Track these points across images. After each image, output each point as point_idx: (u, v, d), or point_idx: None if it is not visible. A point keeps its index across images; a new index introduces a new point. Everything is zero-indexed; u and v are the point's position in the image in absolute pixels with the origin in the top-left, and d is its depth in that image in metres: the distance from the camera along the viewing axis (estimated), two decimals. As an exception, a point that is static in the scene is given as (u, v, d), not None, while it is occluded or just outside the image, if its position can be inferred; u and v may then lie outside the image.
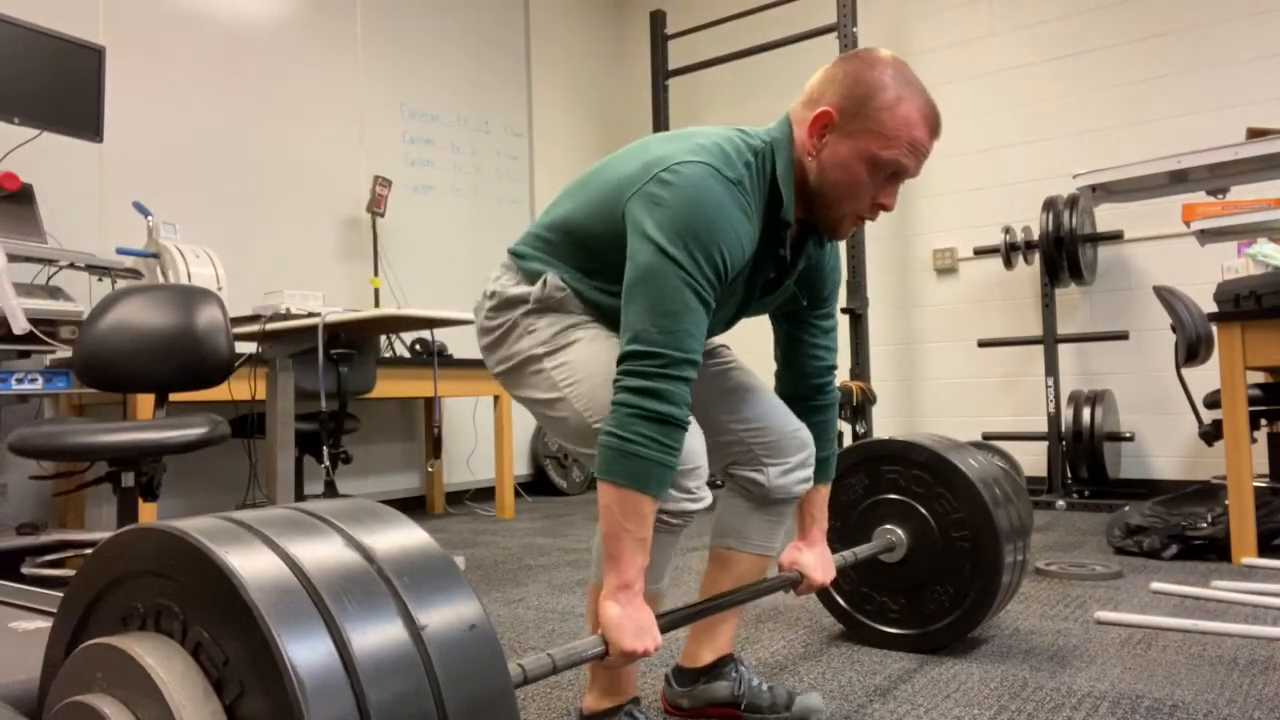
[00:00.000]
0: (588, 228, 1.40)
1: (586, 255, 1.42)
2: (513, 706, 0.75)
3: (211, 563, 0.67)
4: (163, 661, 0.68)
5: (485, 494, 5.07)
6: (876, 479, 2.02)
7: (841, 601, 2.09)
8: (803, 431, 1.58)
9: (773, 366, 1.66)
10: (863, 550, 1.87)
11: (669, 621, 1.33)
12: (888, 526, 1.99)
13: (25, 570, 2.69)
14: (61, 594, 1.83)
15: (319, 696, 0.64)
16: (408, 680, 0.69)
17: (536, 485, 5.41)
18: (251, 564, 0.68)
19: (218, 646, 0.68)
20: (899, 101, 1.31)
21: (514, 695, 0.76)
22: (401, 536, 0.78)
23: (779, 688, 1.61)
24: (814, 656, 1.98)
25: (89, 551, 0.81)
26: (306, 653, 0.65)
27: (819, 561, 1.62)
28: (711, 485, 1.42)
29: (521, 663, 1.07)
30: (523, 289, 1.46)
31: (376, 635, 0.69)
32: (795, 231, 1.46)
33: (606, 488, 1.24)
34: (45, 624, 1.62)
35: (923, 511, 1.96)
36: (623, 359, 1.26)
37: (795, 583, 1.60)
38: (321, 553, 0.72)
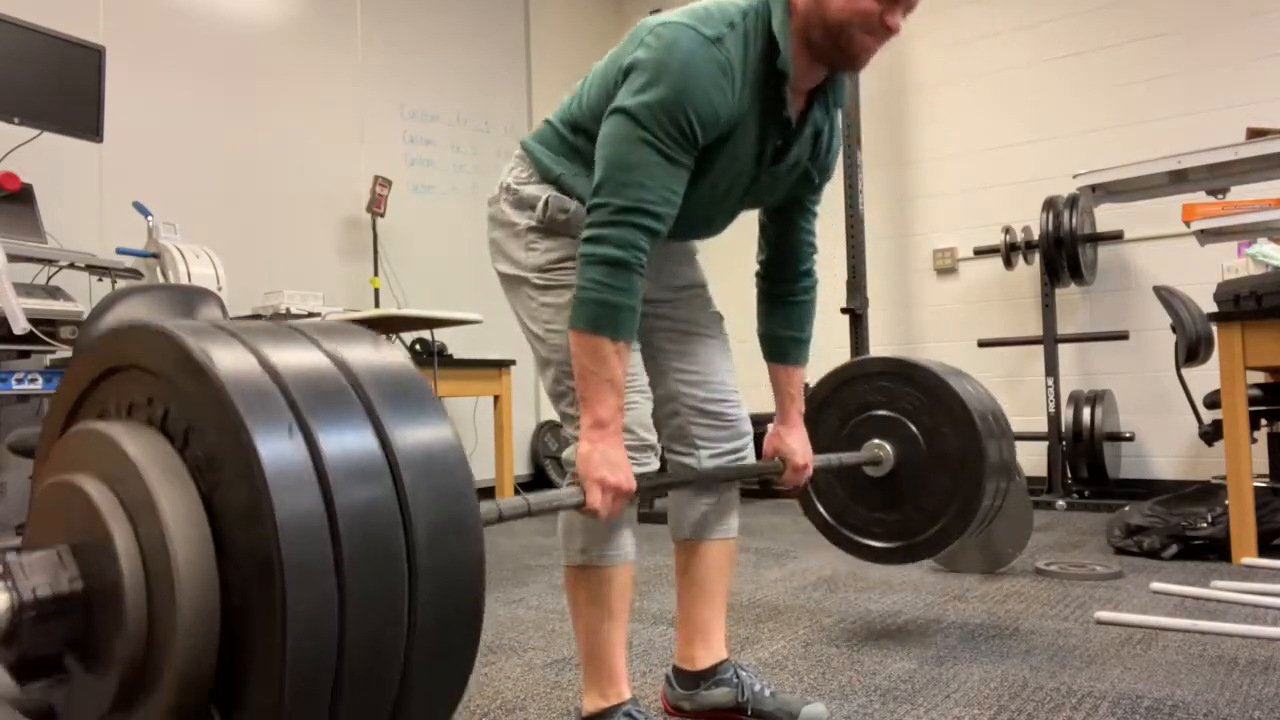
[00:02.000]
0: (593, 112, 1.42)
1: (594, 144, 1.42)
2: (478, 527, 0.77)
3: (194, 359, 0.69)
4: (145, 448, 0.71)
5: (485, 494, 5.06)
6: (872, 395, 2.02)
7: (827, 516, 2.09)
8: (743, 423, 1.63)
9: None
10: (848, 457, 1.89)
11: (650, 484, 1.37)
12: (875, 441, 1.99)
13: (25, 570, 2.68)
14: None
15: (287, 490, 0.66)
16: (375, 487, 0.71)
17: (536, 485, 5.41)
18: (232, 363, 0.70)
19: (198, 439, 0.71)
20: None
21: (479, 516, 0.77)
22: (378, 355, 0.80)
23: (781, 693, 1.61)
24: (814, 657, 1.98)
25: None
26: (278, 449, 0.67)
27: (800, 444, 1.66)
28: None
29: (499, 503, 1.09)
30: (532, 189, 1.48)
31: (346, 441, 0.71)
32: (800, 104, 1.46)
33: (573, 335, 1.32)
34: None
35: (913, 429, 1.95)
36: (587, 210, 1.32)
37: (779, 471, 1.65)
38: (298, 359, 0.74)
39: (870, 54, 1.39)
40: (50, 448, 0.81)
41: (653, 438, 1.48)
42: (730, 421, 1.63)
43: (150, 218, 3.32)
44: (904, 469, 1.96)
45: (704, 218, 1.52)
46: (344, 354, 0.77)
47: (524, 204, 1.49)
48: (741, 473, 1.58)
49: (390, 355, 0.80)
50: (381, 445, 0.72)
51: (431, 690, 0.75)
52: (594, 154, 1.39)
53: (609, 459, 1.28)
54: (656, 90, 1.29)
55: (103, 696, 0.71)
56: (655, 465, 1.48)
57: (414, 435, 0.75)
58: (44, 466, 0.80)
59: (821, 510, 2.10)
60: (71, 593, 0.71)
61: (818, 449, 1.73)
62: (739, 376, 1.68)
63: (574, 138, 1.47)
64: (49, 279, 3.14)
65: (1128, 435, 4.35)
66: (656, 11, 1.45)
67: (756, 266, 1.68)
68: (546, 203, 1.45)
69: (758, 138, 1.42)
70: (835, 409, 2.05)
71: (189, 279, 3.15)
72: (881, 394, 2.01)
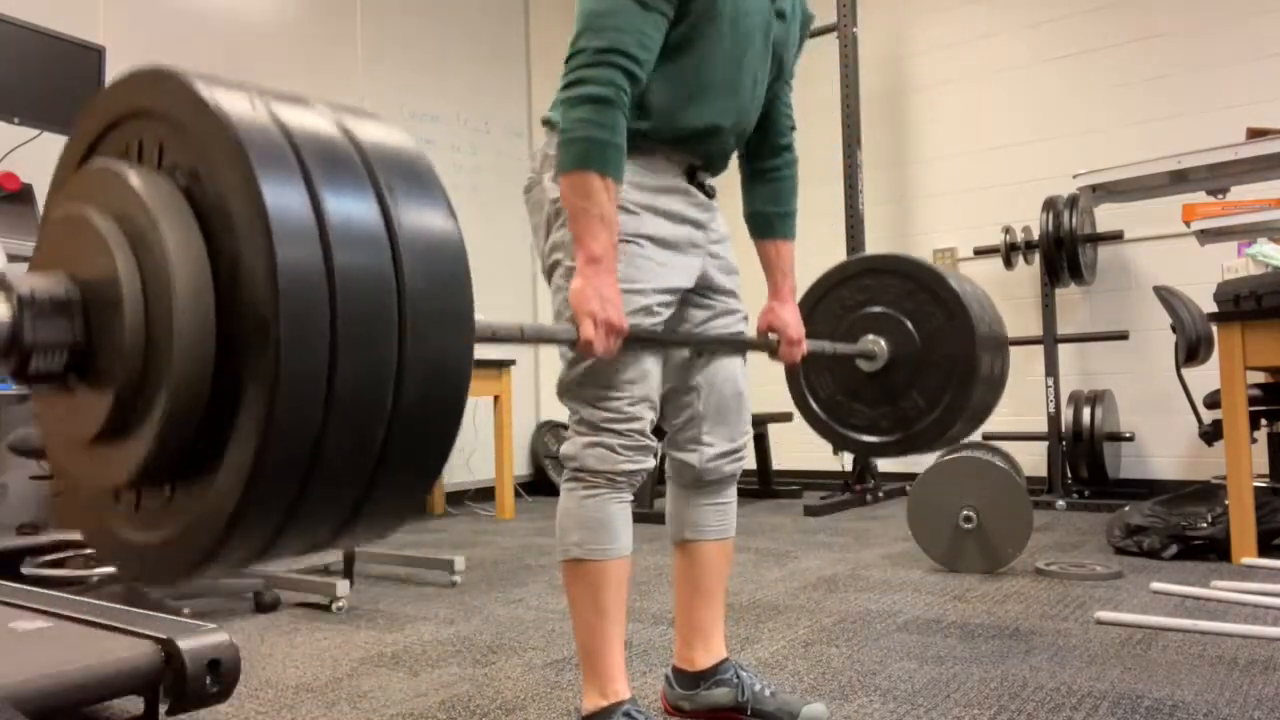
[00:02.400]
0: None
1: None
2: (470, 320, 0.77)
3: (208, 105, 0.70)
4: (153, 188, 0.72)
5: (485, 494, 5.07)
6: (869, 291, 2.02)
7: (822, 414, 2.08)
8: (745, 436, 1.65)
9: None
10: (841, 346, 1.90)
11: (642, 334, 1.38)
12: (870, 337, 1.99)
13: (25, 570, 2.69)
14: (62, 594, 1.83)
15: (290, 240, 0.66)
16: (375, 258, 0.71)
17: (536, 485, 5.41)
18: (245, 112, 0.71)
19: (206, 184, 0.71)
20: None
21: (473, 309, 0.77)
22: (390, 135, 0.80)
23: (782, 693, 1.61)
24: (814, 656, 1.98)
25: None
26: (284, 201, 0.67)
27: (793, 319, 1.68)
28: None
29: (492, 324, 1.09)
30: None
31: (350, 205, 0.71)
32: None
33: (563, 179, 1.34)
34: (45, 624, 1.62)
35: (906, 321, 1.96)
36: (567, 58, 1.36)
37: (774, 347, 1.66)
38: (311, 122, 0.75)
39: None
40: (62, 186, 0.82)
41: (653, 442, 1.49)
42: (738, 421, 1.64)
43: (150, 218, 3.32)
44: (899, 361, 1.96)
45: (728, 82, 1.49)
46: (356, 128, 0.78)
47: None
48: (739, 347, 1.59)
49: (403, 139, 0.81)
50: (384, 220, 0.73)
51: (405, 471, 0.76)
52: None
53: (601, 294, 1.30)
54: None
55: (99, 413, 0.72)
56: (651, 464, 1.50)
57: (418, 218, 0.75)
58: (54, 201, 0.81)
59: (816, 409, 2.09)
60: (69, 299, 0.72)
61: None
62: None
63: None
64: (49, 279, 3.14)
65: (1128, 435, 4.35)
66: None
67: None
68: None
69: None
70: (830, 307, 2.06)
71: (189, 279, 3.15)
72: (873, 291, 2.01)
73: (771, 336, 1.68)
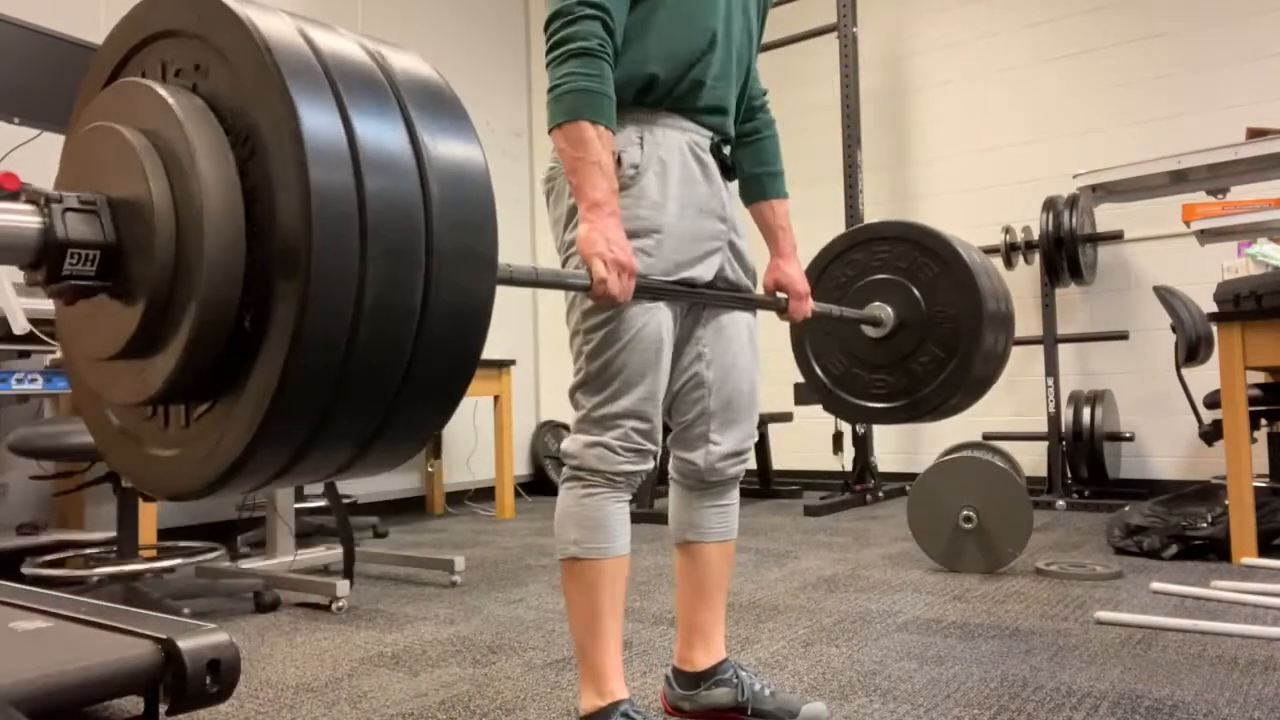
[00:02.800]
0: None
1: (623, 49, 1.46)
2: (493, 254, 0.78)
3: (240, 21, 0.70)
4: (185, 105, 0.72)
5: (485, 494, 5.07)
6: (873, 260, 2.02)
7: (830, 384, 2.08)
8: (752, 439, 1.64)
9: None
10: (848, 311, 1.91)
11: (649, 285, 1.38)
12: (876, 303, 1.99)
13: (25, 570, 2.69)
14: (62, 594, 1.83)
15: (323, 164, 0.66)
16: (404, 185, 0.71)
17: (536, 485, 5.41)
18: (279, 33, 0.71)
19: (237, 107, 0.71)
20: None
21: (496, 243, 0.78)
22: (416, 64, 0.81)
23: (782, 693, 1.61)
24: (814, 656, 1.98)
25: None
26: (318, 122, 0.67)
27: (798, 274, 1.70)
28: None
29: (509, 263, 1.10)
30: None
31: (381, 130, 0.71)
32: None
33: (556, 133, 1.37)
34: (45, 624, 1.62)
35: (913, 288, 1.96)
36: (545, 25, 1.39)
37: (782, 306, 1.68)
38: (343, 47, 0.75)
39: None
40: (89, 100, 0.81)
41: (654, 445, 1.49)
42: (748, 421, 1.63)
43: (150, 218, 3.32)
44: (904, 328, 1.97)
45: (705, 30, 1.50)
46: (386, 56, 0.78)
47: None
48: (748, 304, 1.59)
49: (431, 71, 0.81)
50: (413, 147, 0.73)
51: (427, 394, 0.76)
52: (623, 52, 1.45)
53: (607, 235, 1.32)
54: None
55: (128, 326, 0.72)
56: (650, 466, 1.49)
57: (445, 146, 0.76)
58: (81, 117, 0.81)
59: (821, 375, 2.09)
60: (99, 210, 0.73)
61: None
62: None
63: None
64: (49, 279, 3.14)
65: (1128, 435, 4.35)
66: None
67: None
68: (619, 159, 1.45)
69: None
70: (836, 272, 2.06)
71: (189, 279, 3.15)
72: (881, 258, 2.02)
73: (779, 295, 1.69)
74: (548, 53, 1.39)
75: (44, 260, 0.70)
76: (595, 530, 1.45)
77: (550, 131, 1.39)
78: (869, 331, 1.99)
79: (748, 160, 1.72)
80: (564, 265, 1.50)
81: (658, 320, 1.46)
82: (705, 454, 1.59)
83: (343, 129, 0.69)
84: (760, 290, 1.69)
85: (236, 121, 0.71)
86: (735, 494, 1.66)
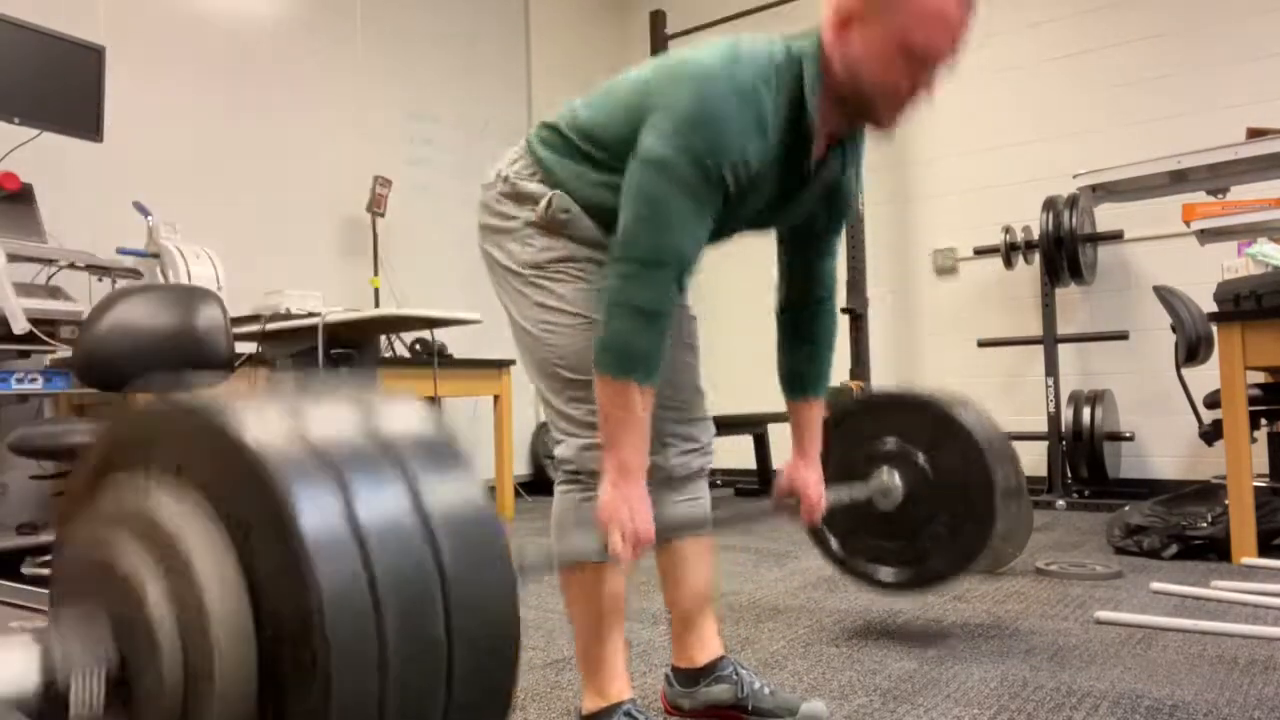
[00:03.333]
0: (614, 134, 1.39)
1: (609, 155, 1.40)
2: (514, 593, 0.76)
3: (227, 422, 0.69)
4: (178, 508, 0.70)
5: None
6: (878, 428, 2.02)
7: (835, 544, 2.10)
8: (708, 428, 1.61)
9: (770, 354, 1.67)
10: (859, 490, 1.90)
11: (664, 525, 1.36)
12: (885, 473, 1.99)
13: (25, 570, 2.69)
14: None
15: (328, 555, 0.65)
16: (414, 553, 0.69)
17: (536, 485, 5.41)
18: (265, 426, 0.70)
19: (233, 503, 0.69)
20: None
21: (516, 583, 0.76)
22: (410, 417, 0.79)
23: (781, 692, 1.61)
24: (814, 656, 1.98)
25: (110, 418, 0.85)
26: (316, 512, 0.66)
27: (815, 481, 1.65)
28: None
29: (523, 556, 1.09)
30: (533, 187, 1.46)
31: (384, 505, 0.70)
32: (822, 147, 1.44)
33: (599, 379, 1.30)
34: (45, 624, 1.62)
35: (920, 459, 1.96)
36: (613, 256, 1.30)
37: (793, 509, 1.64)
38: (332, 422, 0.74)
39: (902, 120, 1.39)
40: (77, 503, 0.80)
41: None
42: (703, 417, 1.62)
43: (150, 218, 3.32)
44: (914, 499, 1.96)
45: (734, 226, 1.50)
46: (379, 419, 0.77)
47: (524, 199, 1.47)
48: (754, 517, 1.57)
49: (427, 422, 0.80)
50: (416, 511, 0.71)
51: None
52: (601, 158, 1.39)
53: (633, 506, 1.27)
54: (690, 139, 1.26)
55: None
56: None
57: (448, 499, 0.74)
58: (74, 523, 0.79)
59: (833, 542, 2.11)
60: (105, 648, 0.71)
61: (825, 480, 1.72)
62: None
63: (583, 143, 1.45)
64: (49, 279, 3.14)
65: (1128, 435, 4.35)
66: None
67: (775, 302, 1.67)
68: (550, 201, 1.43)
69: (776, 184, 1.41)
70: (840, 442, 2.06)
71: (189, 279, 3.15)
72: (886, 426, 2.02)
73: (790, 500, 1.64)
74: (615, 273, 1.29)
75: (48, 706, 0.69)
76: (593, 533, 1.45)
77: (595, 369, 1.31)
78: (879, 503, 1.99)
79: (799, 356, 1.65)
80: (512, 292, 1.48)
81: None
82: (664, 454, 1.55)
83: (344, 512, 0.68)
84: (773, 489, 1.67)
85: (233, 512, 0.69)
86: (703, 487, 1.63)
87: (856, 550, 2.08)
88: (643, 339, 1.28)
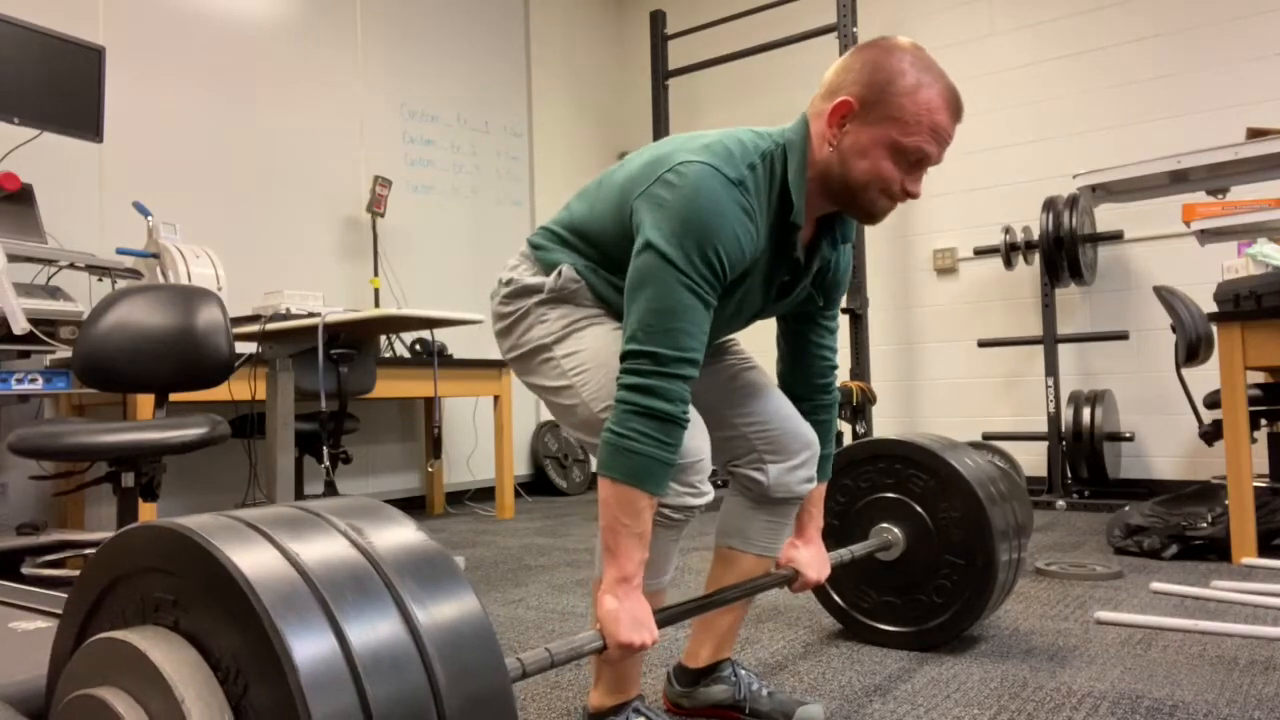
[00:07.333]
0: (601, 228, 1.42)
1: (599, 252, 1.44)
2: (510, 703, 0.76)
3: (214, 559, 0.68)
4: (169, 655, 0.69)
5: (485, 494, 5.07)
6: (874, 478, 2.03)
7: (838, 599, 2.09)
8: (807, 431, 1.58)
9: (774, 360, 1.66)
10: (859, 548, 1.88)
11: (666, 617, 1.33)
12: (884, 525, 2.00)
13: (25, 570, 2.69)
14: (62, 594, 1.83)
15: (321, 690, 0.64)
16: (408, 678, 0.69)
17: (536, 485, 5.41)
18: (253, 560, 0.69)
19: (223, 641, 0.69)
20: (919, 87, 1.30)
21: (512, 692, 0.76)
22: (400, 534, 0.79)
23: (779, 693, 1.61)
24: (814, 656, 1.98)
25: (92, 551, 0.83)
26: (308, 647, 0.65)
27: (814, 559, 1.63)
28: (714, 484, 1.42)
29: (520, 657, 1.08)
30: (538, 278, 1.47)
31: (376, 631, 0.69)
32: (810, 233, 1.46)
33: (605, 483, 1.26)
34: (45, 624, 1.62)
35: (919, 510, 1.96)
36: (623, 358, 1.28)
37: (790, 580, 1.61)
38: (321, 549, 0.73)
39: (887, 213, 1.40)
40: (66, 658, 0.79)
41: (708, 489, 1.41)
42: (796, 431, 1.58)
43: (150, 218, 3.32)
44: (914, 551, 1.97)
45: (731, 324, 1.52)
46: (366, 537, 0.76)
47: (530, 290, 1.48)
48: (755, 589, 1.54)
49: (412, 533, 0.80)
50: (410, 632, 0.71)
51: None
52: (593, 253, 1.43)
53: (635, 616, 1.25)
54: (687, 233, 1.27)
55: None
56: (709, 497, 1.41)
57: (441, 615, 0.74)
58: (62, 681, 0.78)
59: (836, 598, 2.11)
60: None
61: (824, 531, 1.71)
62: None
63: (575, 239, 1.47)
64: (49, 279, 3.14)
65: (1128, 435, 4.35)
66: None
67: (776, 376, 1.67)
68: (560, 272, 1.44)
69: (766, 274, 1.43)
70: (837, 493, 2.06)
71: (189, 279, 3.15)
72: (883, 477, 2.02)
73: (785, 572, 1.61)
74: (626, 372, 1.27)
75: None
76: (650, 570, 1.40)
77: (599, 472, 1.28)
78: (880, 556, 1.99)
79: None
80: (541, 366, 1.48)
81: None
82: (765, 475, 1.55)
83: (336, 644, 0.67)
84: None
85: (224, 655, 0.69)
86: (793, 511, 1.61)
87: (858, 603, 2.08)
88: (658, 447, 1.24)
